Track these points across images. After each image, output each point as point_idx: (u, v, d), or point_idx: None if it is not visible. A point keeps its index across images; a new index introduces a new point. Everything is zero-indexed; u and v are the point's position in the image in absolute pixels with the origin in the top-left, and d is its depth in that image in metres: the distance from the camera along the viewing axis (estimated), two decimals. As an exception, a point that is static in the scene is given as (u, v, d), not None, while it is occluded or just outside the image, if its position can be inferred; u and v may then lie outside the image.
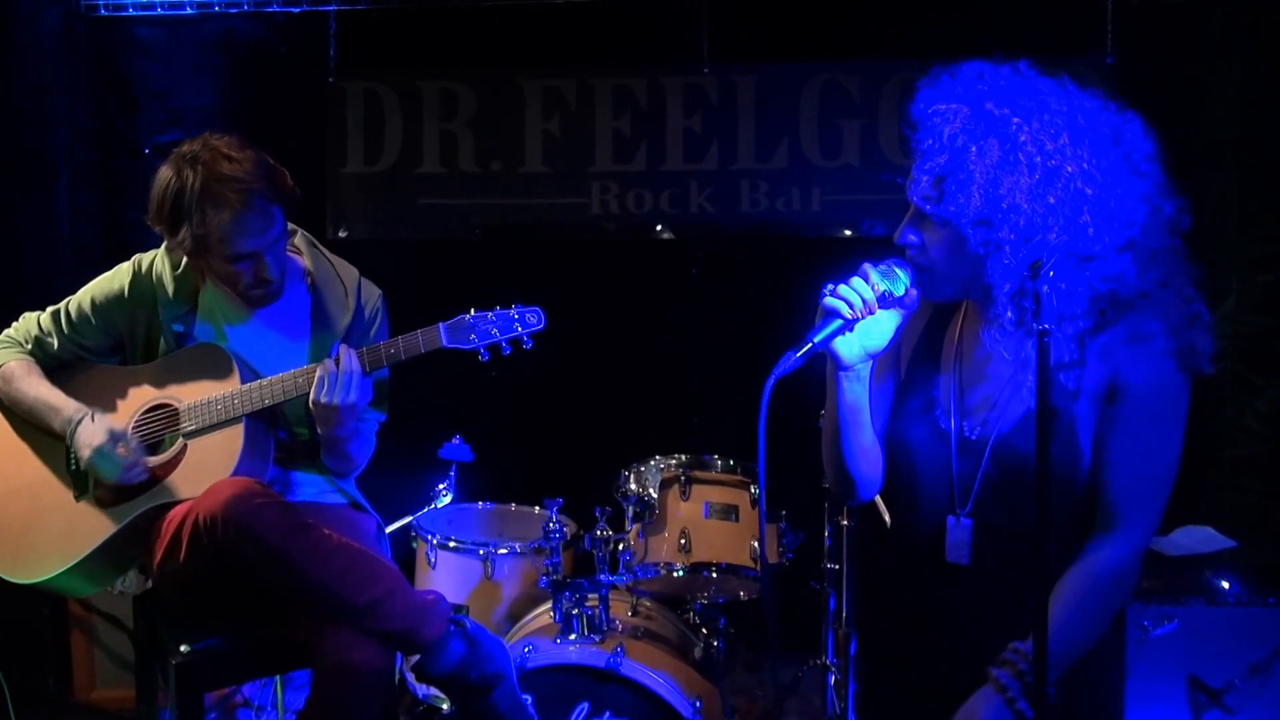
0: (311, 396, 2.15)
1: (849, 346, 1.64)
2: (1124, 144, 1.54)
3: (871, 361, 1.69)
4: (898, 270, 1.61)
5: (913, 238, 1.61)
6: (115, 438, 2.17)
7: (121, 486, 2.19)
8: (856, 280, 1.59)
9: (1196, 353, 1.55)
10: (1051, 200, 1.49)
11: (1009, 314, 1.56)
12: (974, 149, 1.49)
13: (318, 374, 2.14)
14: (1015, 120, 1.49)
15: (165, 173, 2.17)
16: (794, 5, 3.73)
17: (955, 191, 1.51)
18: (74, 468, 2.25)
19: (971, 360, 1.68)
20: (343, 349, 2.16)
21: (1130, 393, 1.55)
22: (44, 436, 2.29)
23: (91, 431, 2.17)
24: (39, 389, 2.27)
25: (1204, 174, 3.43)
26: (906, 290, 1.62)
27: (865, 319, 1.60)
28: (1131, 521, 1.57)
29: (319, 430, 2.24)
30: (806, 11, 3.72)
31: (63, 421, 2.22)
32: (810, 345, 1.55)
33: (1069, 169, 1.49)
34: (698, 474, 2.87)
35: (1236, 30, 3.39)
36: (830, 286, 1.59)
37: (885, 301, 1.61)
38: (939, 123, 1.53)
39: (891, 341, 1.67)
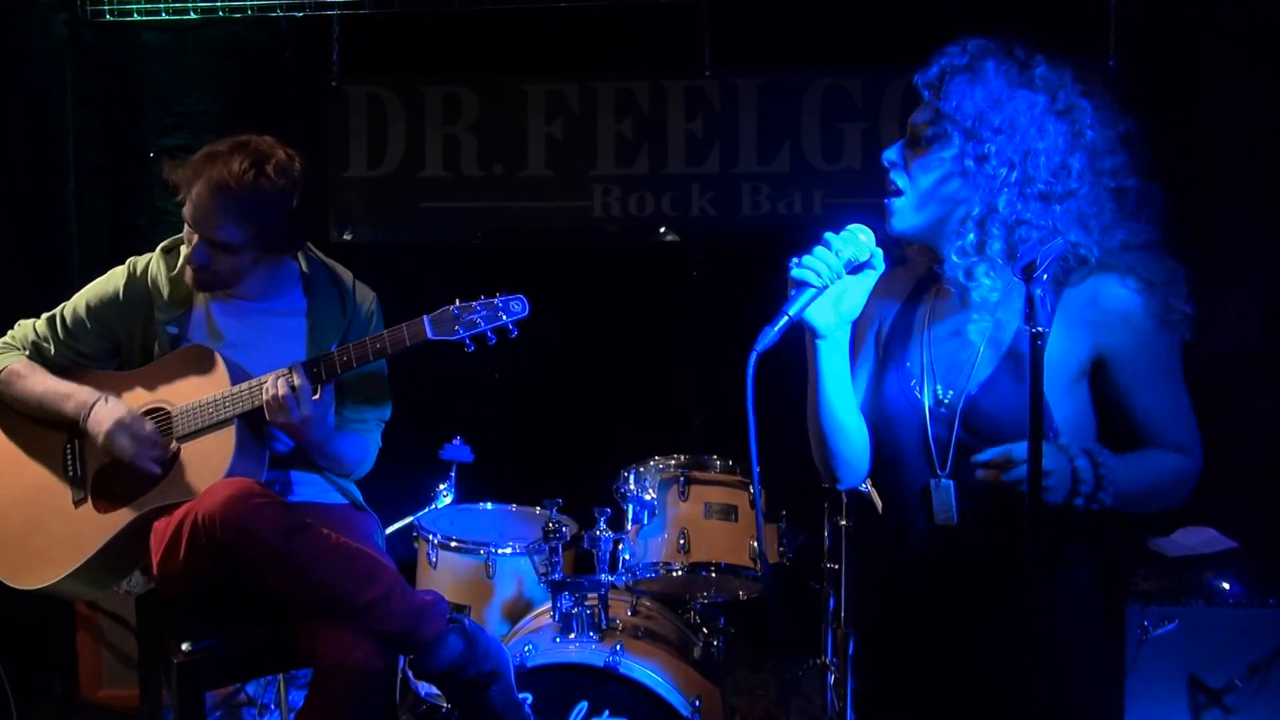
0: (268, 417, 2.15)
1: (823, 314, 1.68)
2: (1071, 110, 1.62)
3: (849, 328, 1.73)
4: (859, 235, 1.66)
5: (895, 157, 1.70)
6: (134, 413, 2.18)
7: (127, 485, 2.19)
8: (819, 249, 1.64)
9: (1176, 313, 1.61)
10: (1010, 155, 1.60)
11: (961, 272, 1.64)
12: (973, 90, 1.60)
13: (265, 395, 2.14)
14: (1004, 79, 1.60)
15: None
16: (795, 10, 3.74)
17: (951, 131, 1.62)
18: (72, 473, 2.26)
19: (941, 329, 1.75)
20: (292, 368, 2.16)
21: (1122, 359, 1.63)
22: (42, 443, 2.30)
23: (109, 410, 2.18)
24: (47, 382, 2.28)
25: (1208, 177, 3.43)
26: (871, 255, 1.67)
27: (835, 285, 1.65)
28: (1186, 443, 1.66)
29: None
30: (808, 16, 3.72)
31: (77, 405, 2.22)
32: (787, 318, 1.60)
33: (1041, 144, 1.59)
34: (697, 474, 2.89)
35: (1241, 32, 3.39)
36: (795, 260, 1.64)
37: (852, 267, 1.66)
38: (943, 61, 1.64)
39: (864, 307, 1.72)
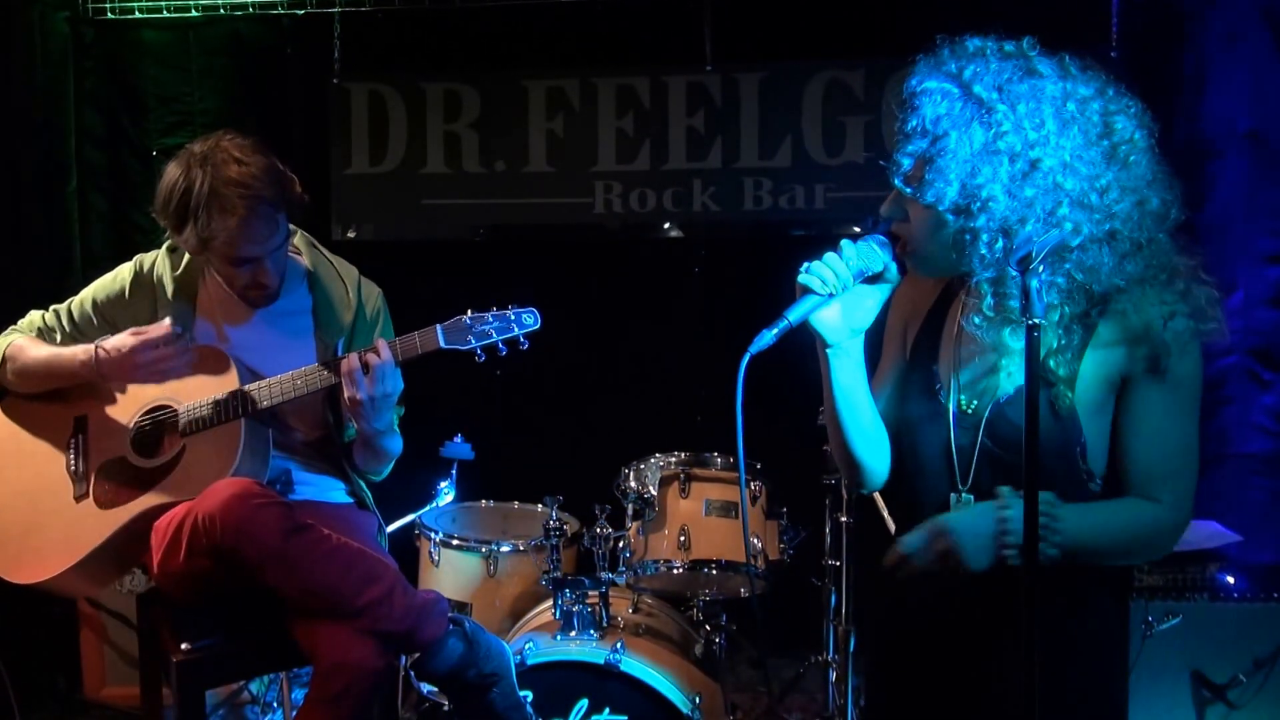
0: (346, 393, 2.15)
1: (832, 323, 1.63)
2: (1114, 135, 1.53)
3: (861, 339, 1.69)
4: (876, 247, 1.61)
5: (896, 213, 1.62)
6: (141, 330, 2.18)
7: (129, 481, 2.18)
8: (830, 256, 1.59)
9: (1169, 348, 1.54)
10: (1029, 193, 1.49)
11: (988, 300, 1.57)
12: (954, 136, 1.49)
13: (345, 368, 2.14)
14: (1001, 107, 1.49)
15: (174, 170, 2.17)
16: (796, 3, 3.73)
17: (934, 178, 1.52)
18: (74, 468, 2.26)
19: (969, 338, 1.68)
20: (379, 342, 2.16)
21: (1139, 381, 1.56)
22: (45, 437, 2.30)
23: (117, 339, 2.17)
24: (48, 349, 2.28)
25: (1211, 167, 3.41)
26: (885, 266, 1.62)
27: (844, 295, 1.60)
28: (1164, 495, 1.58)
29: (356, 426, 2.24)
30: (809, 9, 3.71)
31: (85, 351, 2.20)
32: (786, 322, 1.55)
33: (1048, 163, 1.48)
34: (697, 471, 2.89)
35: (1244, 21, 3.37)
36: (806, 265, 1.60)
37: (864, 277, 1.61)
38: (926, 104, 1.52)
39: (876, 317, 1.67)
